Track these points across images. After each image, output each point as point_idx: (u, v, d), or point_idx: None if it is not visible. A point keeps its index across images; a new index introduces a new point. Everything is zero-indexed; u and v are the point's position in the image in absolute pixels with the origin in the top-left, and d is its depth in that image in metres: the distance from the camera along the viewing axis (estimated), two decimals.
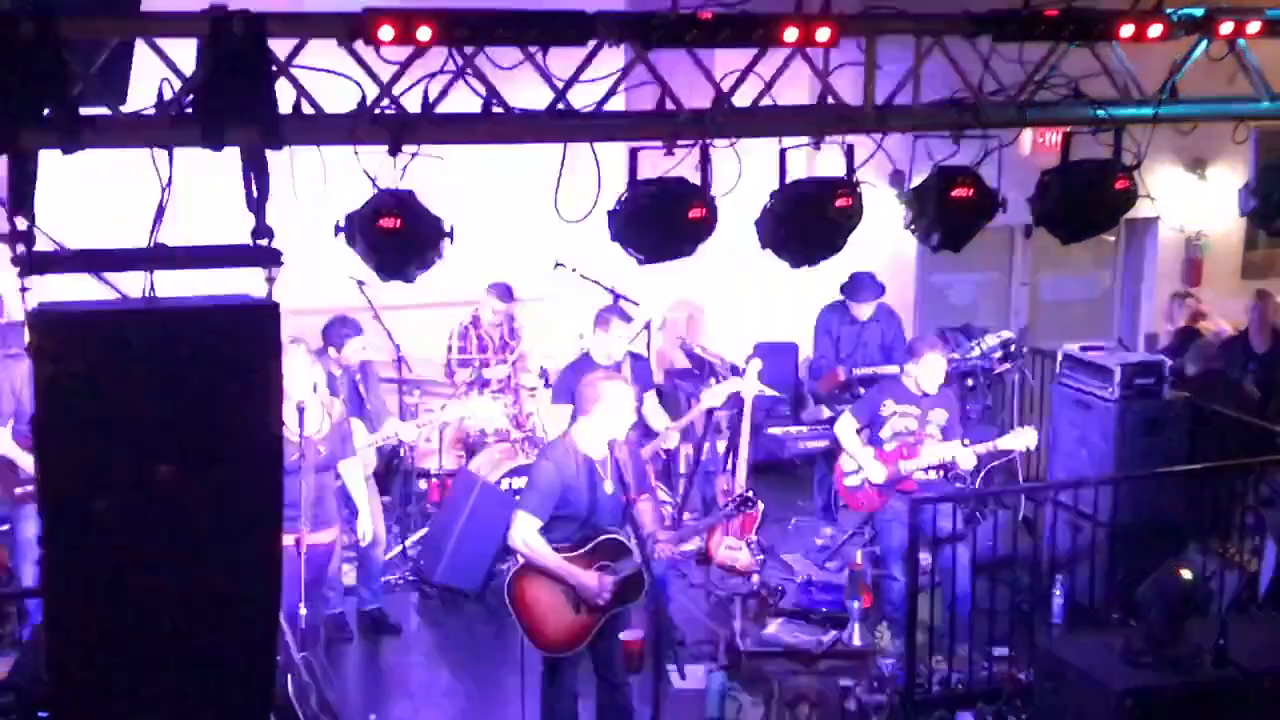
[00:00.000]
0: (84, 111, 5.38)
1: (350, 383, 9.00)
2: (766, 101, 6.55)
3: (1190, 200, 12.77)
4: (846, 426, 8.93)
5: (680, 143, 6.37)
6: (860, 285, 10.42)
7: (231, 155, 5.48)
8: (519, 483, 9.33)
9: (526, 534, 6.90)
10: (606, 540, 7.01)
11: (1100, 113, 7.07)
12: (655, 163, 6.46)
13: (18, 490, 8.09)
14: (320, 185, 5.87)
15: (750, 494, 7.92)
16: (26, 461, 7.79)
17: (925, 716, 8.01)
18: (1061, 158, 7.40)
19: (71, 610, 5.76)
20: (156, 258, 5.60)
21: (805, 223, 6.75)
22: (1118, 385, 9.25)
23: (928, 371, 8.71)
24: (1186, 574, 7.07)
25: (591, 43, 5.90)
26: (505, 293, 10.53)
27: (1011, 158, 7.42)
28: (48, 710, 6.10)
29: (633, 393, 7.45)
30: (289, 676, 7.15)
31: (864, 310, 10.45)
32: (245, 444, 5.70)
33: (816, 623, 8.92)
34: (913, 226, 7.42)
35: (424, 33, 5.54)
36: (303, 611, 7.50)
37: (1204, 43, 6.95)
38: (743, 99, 6.45)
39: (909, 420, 8.78)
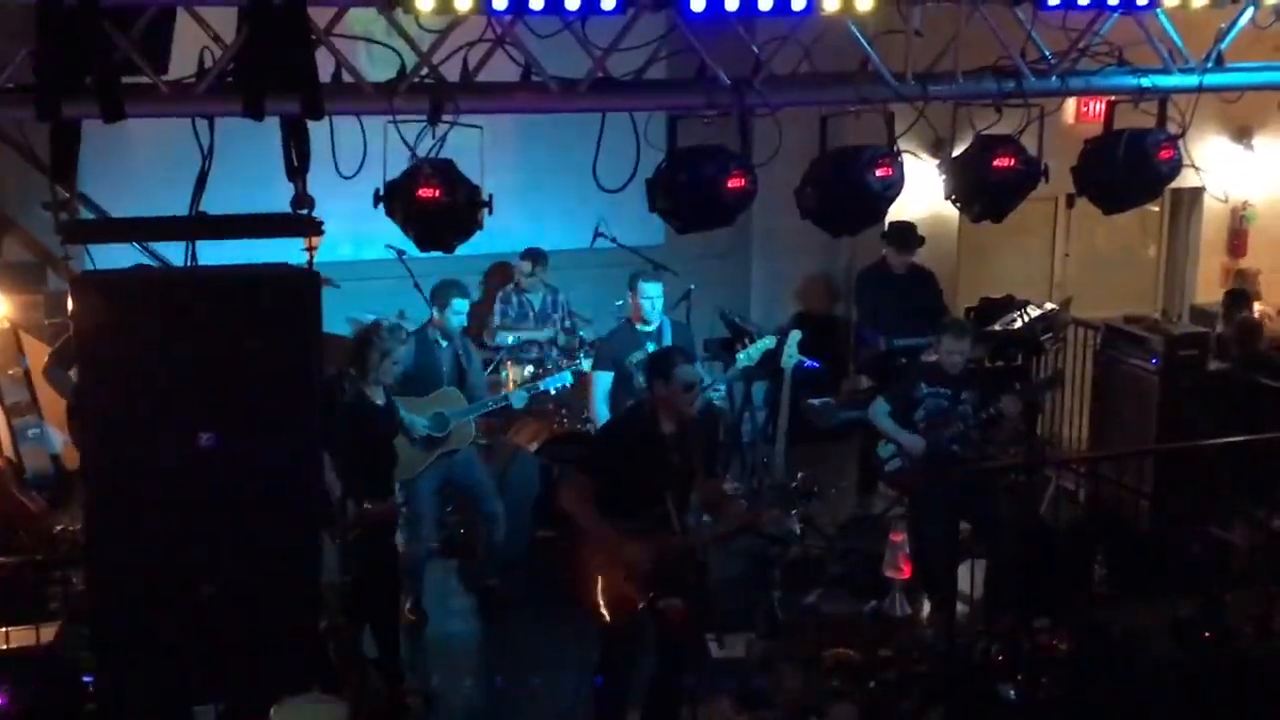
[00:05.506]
0: (125, 80, 5.41)
1: (454, 356, 8.96)
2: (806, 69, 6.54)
3: (1236, 170, 12.62)
4: (881, 412, 8.82)
5: (719, 111, 6.36)
6: (899, 234, 10.34)
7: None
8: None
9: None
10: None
11: (1145, 81, 7.01)
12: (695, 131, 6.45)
13: None
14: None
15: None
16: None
17: (964, 687, 7.97)
18: (1105, 126, 7.33)
19: (115, 577, 5.83)
20: (198, 226, 5.64)
21: (845, 192, 6.73)
22: (1160, 357, 9.18)
23: (948, 356, 8.64)
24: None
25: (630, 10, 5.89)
26: (538, 257, 10.51)
27: (1054, 126, 7.36)
28: (92, 674, 6.18)
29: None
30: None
31: (902, 261, 10.36)
32: (285, 411, 5.73)
33: (856, 592, 8.91)
34: (954, 196, 7.38)
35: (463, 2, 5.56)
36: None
37: (1250, 10, 6.86)
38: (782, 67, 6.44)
39: (941, 400, 8.71)
